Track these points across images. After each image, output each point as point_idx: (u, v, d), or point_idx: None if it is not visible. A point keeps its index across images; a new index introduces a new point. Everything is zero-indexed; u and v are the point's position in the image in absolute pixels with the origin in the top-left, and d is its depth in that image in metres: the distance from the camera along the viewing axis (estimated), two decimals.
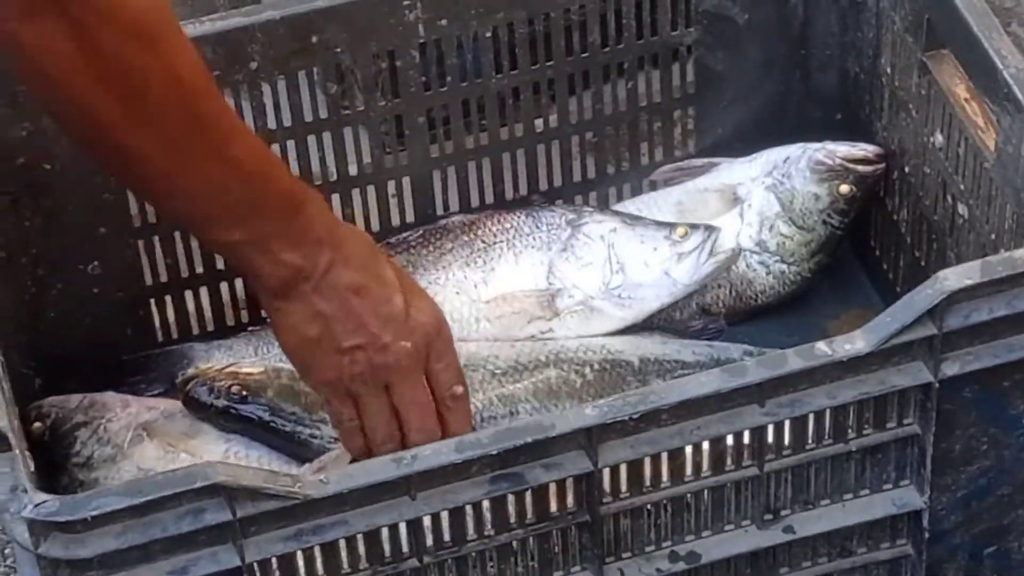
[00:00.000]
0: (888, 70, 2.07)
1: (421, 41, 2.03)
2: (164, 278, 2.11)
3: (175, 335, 2.14)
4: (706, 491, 1.80)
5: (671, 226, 2.11)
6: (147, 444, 1.94)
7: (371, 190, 2.12)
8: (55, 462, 1.96)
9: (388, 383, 1.84)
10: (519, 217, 2.13)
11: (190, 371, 2.07)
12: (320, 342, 1.80)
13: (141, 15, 1.62)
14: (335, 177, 2.10)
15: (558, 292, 2.10)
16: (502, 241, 2.12)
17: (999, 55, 1.86)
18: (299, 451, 2.01)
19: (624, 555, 1.82)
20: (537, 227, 2.12)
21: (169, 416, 1.98)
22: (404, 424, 1.86)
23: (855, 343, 1.74)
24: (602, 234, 2.11)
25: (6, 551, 2.06)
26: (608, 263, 2.10)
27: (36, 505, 1.62)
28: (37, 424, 1.99)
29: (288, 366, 1.92)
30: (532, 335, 2.11)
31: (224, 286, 2.13)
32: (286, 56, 2.00)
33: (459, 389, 1.88)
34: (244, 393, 2.01)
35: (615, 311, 2.11)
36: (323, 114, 2.06)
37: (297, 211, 1.75)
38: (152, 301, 2.12)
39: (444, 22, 2.03)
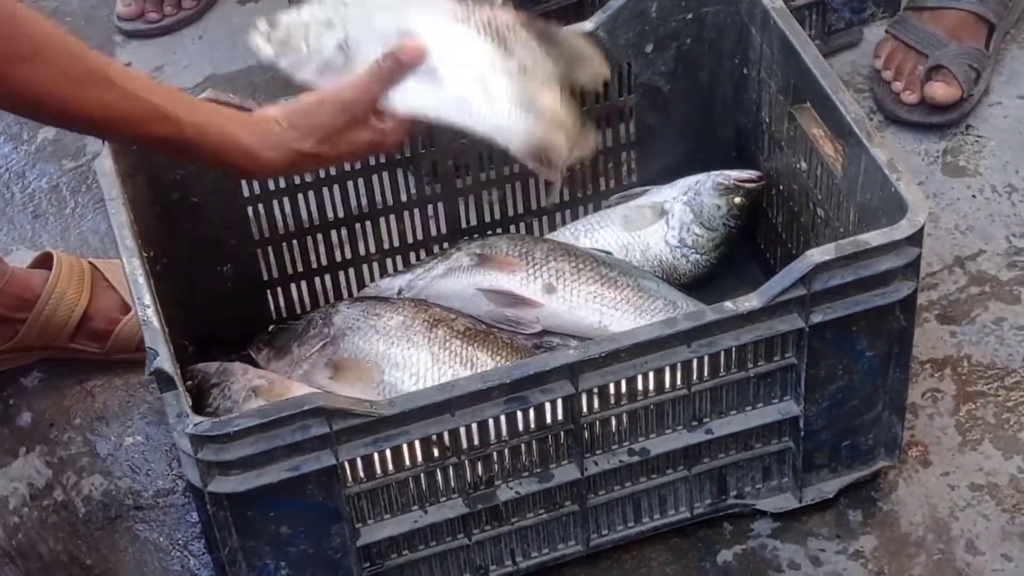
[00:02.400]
0: (767, 120, 2.06)
1: None
2: (275, 275, 2.09)
3: (284, 316, 2.12)
4: (652, 406, 1.79)
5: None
6: (254, 401, 1.91)
7: (416, 212, 2.11)
8: (197, 412, 1.93)
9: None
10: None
11: None
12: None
13: None
14: (391, 203, 2.08)
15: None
16: None
17: (843, 105, 1.86)
18: None
19: (597, 452, 1.81)
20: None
21: (271, 382, 1.95)
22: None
23: (751, 301, 1.74)
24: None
25: (172, 464, 2.04)
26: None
27: (196, 424, 1.62)
28: (189, 383, 1.98)
29: None
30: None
31: (317, 280, 2.11)
32: None
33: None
34: None
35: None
36: (383, 159, 2.05)
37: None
38: (268, 292, 2.10)
39: None
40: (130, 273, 1.76)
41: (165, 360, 1.66)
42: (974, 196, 2.28)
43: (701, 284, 2.15)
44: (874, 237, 1.73)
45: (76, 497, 2.04)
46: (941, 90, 2.33)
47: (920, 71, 2.36)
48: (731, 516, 1.93)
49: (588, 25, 2.03)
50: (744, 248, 2.19)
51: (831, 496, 1.93)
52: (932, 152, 2.34)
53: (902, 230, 1.73)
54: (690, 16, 2.05)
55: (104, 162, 1.86)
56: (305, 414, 1.63)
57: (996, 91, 2.41)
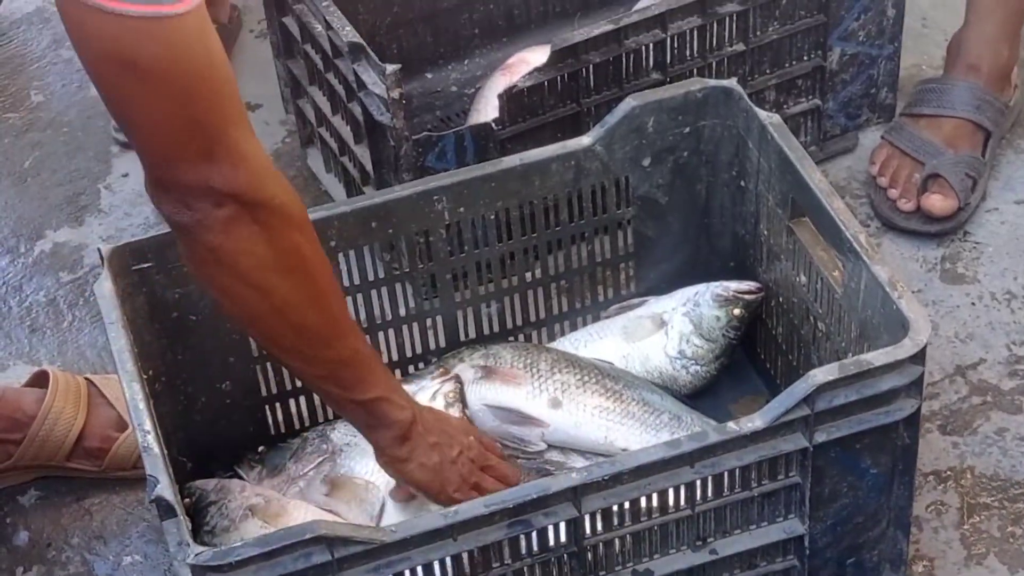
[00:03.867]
0: (765, 232, 2.06)
1: (447, 223, 2.02)
2: (275, 391, 2.07)
3: (283, 430, 2.10)
4: (656, 526, 1.78)
5: None
6: (251, 521, 1.89)
7: (415, 325, 2.09)
8: (195, 529, 1.92)
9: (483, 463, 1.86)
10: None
11: None
12: (442, 463, 1.79)
13: (301, 214, 1.59)
14: (390, 318, 2.07)
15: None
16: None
17: (842, 221, 1.86)
18: None
19: (601, 573, 1.79)
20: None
21: (268, 500, 1.93)
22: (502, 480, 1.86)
23: (755, 422, 1.72)
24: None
25: None
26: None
27: (196, 555, 1.60)
28: (186, 500, 1.96)
29: None
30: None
31: (316, 396, 2.10)
32: (354, 236, 1.99)
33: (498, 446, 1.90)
34: None
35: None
36: (381, 274, 2.04)
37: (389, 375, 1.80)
38: (267, 407, 2.08)
39: (462, 209, 2.01)
40: (130, 398, 1.74)
41: (166, 488, 1.65)
42: (973, 304, 2.28)
43: (702, 394, 2.14)
44: (877, 357, 1.72)
45: None
46: (939, 203, 2.33)
47: (916, 179, 2.36)
48: None
49: (586, 140, 2.03)
50: (745, 357, 2.18)
51: None
52: (930, 259, 2.34)
53: (905, 349, 1.72)
54: (687, 130, 2.06)
55: (103, 284, 1.85)
56: (307, 542, 1.61)
57: (992, 197, 2.41)
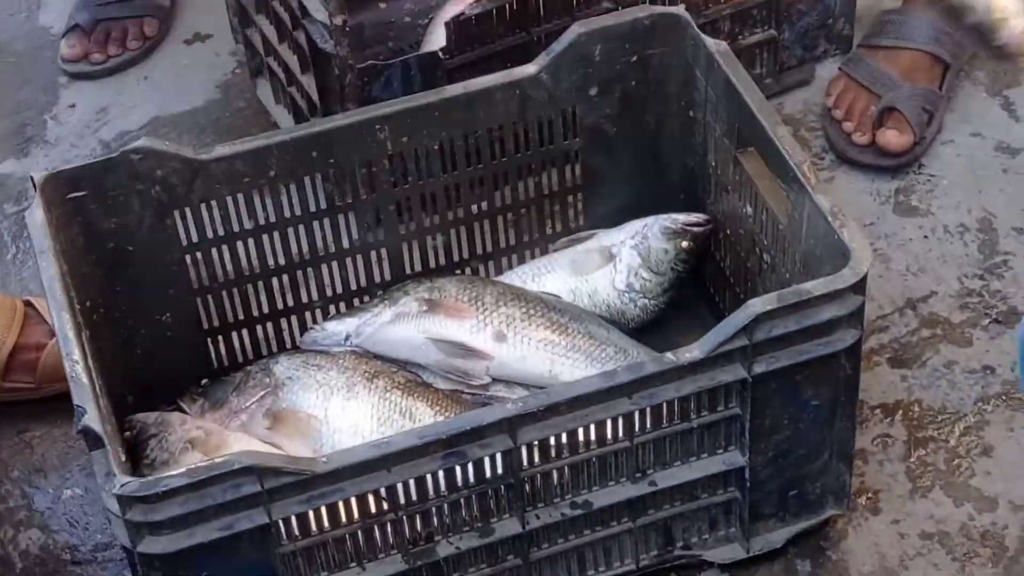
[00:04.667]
0: (713, 163, 2.04)
1: (389, 153, 2.00)
2: (216, 323, 2.05)
3: (226, 364, 2.08)
4: (594, 458, 1.77)
5: None
6: (191, 454, 1.88)
7: (359, 258, 2.07)
8: (135, 462, 1.90)
9: None
10: None
11: None
12: None
13: None
14: (333, 250, 2.05)
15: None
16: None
17: (787, 151, 1.84)
18: None
19: (539, 505, 1.78)
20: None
21: (209, 433, 1.91)
22: None
23: (692, 352, 1.71)
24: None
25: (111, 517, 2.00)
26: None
27: (123, 485, 1.59)
28: (127, 433, 1.94)
29: None
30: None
31: (259, 328, 2.08)
32: (294, 167, 1.96)
33: None
34: None
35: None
36: (323, 205, 2.02)
37: None
38: (209, 340, 2.06)
39: (405, 139, 1.99)
40: (59, 327, 1.73)
41: (93, 418, 1.63)
42: (926, 236, 2.26)
43: (651, 328, 2.13)
44: (817, 286, 1.71)
45: (14, 551, 2.00)
46: (894, 138, 2.31)
47: (872, 112, 2.34)
48: (678, 567, 1.90)
49: (531, 68, 2.01)
50: (694, 291, 2.16)
51: (779, 546, 1.90)
52: (884, 192, 2.32)
53: (845, 279, 1.71)
54: (635, 58, 2.03)
55: (35, 212, 1.83)
56: (236, 473, 1.60)
57: (949, 129, 2.39)
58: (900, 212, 2.30)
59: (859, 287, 1.72)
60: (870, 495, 1.98)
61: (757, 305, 1.69)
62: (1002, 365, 2.10)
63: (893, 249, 2.25)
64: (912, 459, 2.02)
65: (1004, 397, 2.07)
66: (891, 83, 2.35)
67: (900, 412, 2.06)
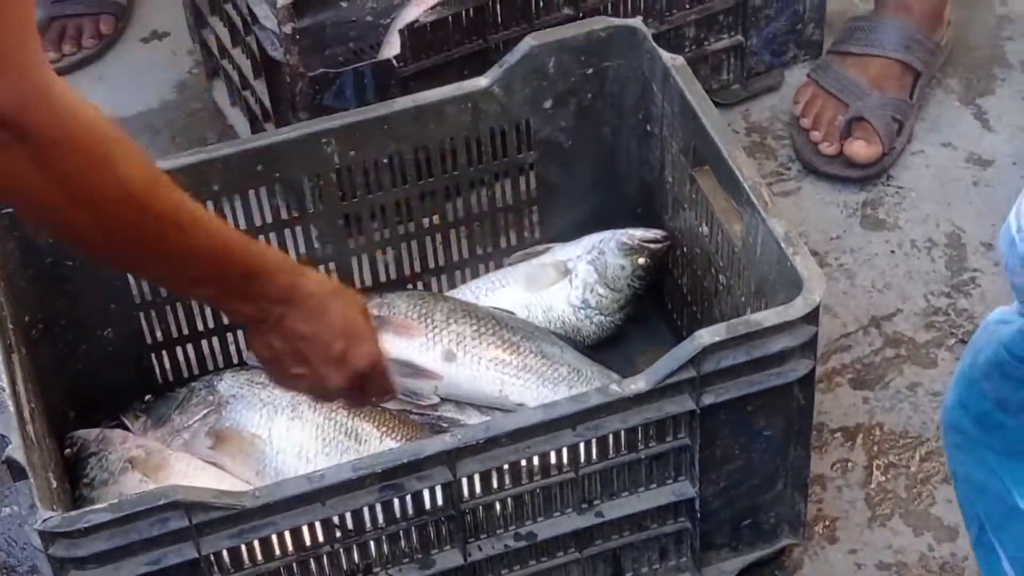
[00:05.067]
0: (670, 179, 1.99)
1: (336, 167, 1.95)
2: (160, 338, 2.00)
3: (171, 379, 2.04)
4: (538, 489, 1.72)
5: None
6: (130, 474, 1.84)
7: None
8: (74, 481, 1.86)
9: (329, 399, 1.79)
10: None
11: None
12: (274, 363, 1.67)
13: (89, 139, 1.41)
14: None
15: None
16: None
17: (740, 171, 1.79)
18: None
19: (482, 536, 1.74)
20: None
21: (149, 453, 1.87)
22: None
23: (638, 384, 1.67)
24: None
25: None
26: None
27: (44, 520, 1.55)
28: (68, 450, 1.90)
29: None
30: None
31: (204, 343, 2.03)
32: (237, 180, 1.91)
33: (390, 403, 1.81)
34: None
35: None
36: (268, 219, 1.97)
37: (251, 277, 1.59)
38: (152, 355, 2.02)
39: (352, 152, 1.94)
40: None
41: (17, 449, 1.59)
42: (893, 252, 2.21)
43: (607, 343, 2.08)
44: (767, 316, 1.66)
45: None
46: (862, 149, 2.25)
47: (840, 121, 2.28)
48: None
49: (483, 81, 1.96)
50: (653, 307, 2.11)
51: None
52: (851, 204, 2.27)
53: (796, 309, 1.66)
54: (590, 71, 1.98)
55: None
56: (163, 508, 1.55)
57: (918, 138, 2.34)
58: (867, 225, 2.25)
59: (811, 317, 1.67)
60: (827, 523, 1.94)
61: (704, 337, 1.64)
62: None
63: (859, 264, 2.20)
64: (872, 485, 1.97)
65: None
66: (860, 92, 2.30)
67: (861, 436, 2.02)
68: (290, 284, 1.63)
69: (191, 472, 1.87)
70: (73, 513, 1.55)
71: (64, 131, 1.38)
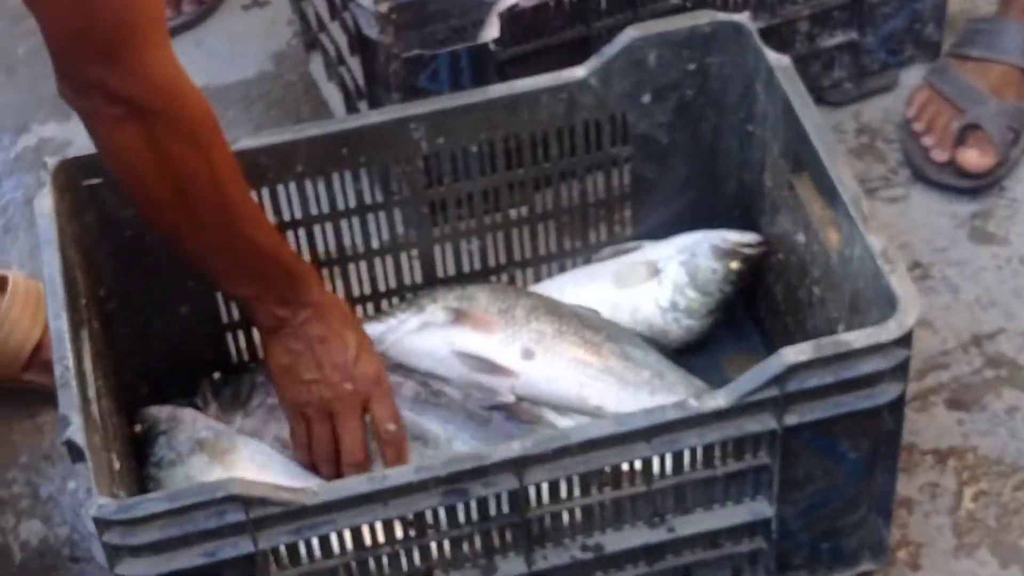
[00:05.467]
0: (769, 183, 1.92)
1: (424, 154, 1.90)
2: (236, 318, 1.97)
3: (246, 359, 2.00)
4: (608, 501, 1.67)
5: None
6: (198, 456, 1.81)
7: (388, 259, 1.98)
8: (142, 459, 1.83)
9: (332, 412, 1.75)
10: None
11: None
12: (289, 371, 1.74)
13: (196, 128, 1.60)
14: (362, 250, 1.96)
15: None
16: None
17: (840, 182, 1.72)
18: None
19: (547, 545, 1.69)
20: None
21: (219, 436, 1.84)
22: (340, 449, 1.76)
23: (717, 400, 1.60)
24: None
25: None
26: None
27: (100, 506, 1.52)
28: (138, 427, 1.88)
29: None
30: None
31: None
32: (322, 162, 1.87)
33: (391, 427, 1.77)
34: None
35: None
36: (352, 204, 1.92)
37: (291, 281, 1.72)
38: (228, 335, 1.98)
39: (441, 140, 1.89)
40: (56, 329, 1.65)
41: (77, 431, 1.56)
42: (1000, 267, 2.13)
43: (694, 348, 2.02)
44: (858, 337, 1.59)
45: (14, 542, 1.94)
46: (975, 158, 2.17)
47: (954, 127, 2.20)
48: None
49: (580, 72, 1.90)
50: (743, 310, 2.05)
51: None
52: (960, 214, 2.19)
53: (889, 332, 1.59)
54: (693, 67, 1.91)
55: (43, 201, 1.76)
56: (220, 501, 1.52)
57: None
58: (975, 238, 2.16)
59: (904, 341, 1.60)
60: (911, 549, 1.87)
61: (790, 355, 1.58)
62: None
63: (963, 278, 2.11)
64: (960, 512, 1.90)
65: None
66: (977, 98, 2.21)
67: (952, 459, 1.94)
68: (320, 293, 1.76)
69: (258, 458, 1.84)
70: (129, 501, 1.52)
71: (176, 113, 1.57)
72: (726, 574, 1.77)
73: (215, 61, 2.45)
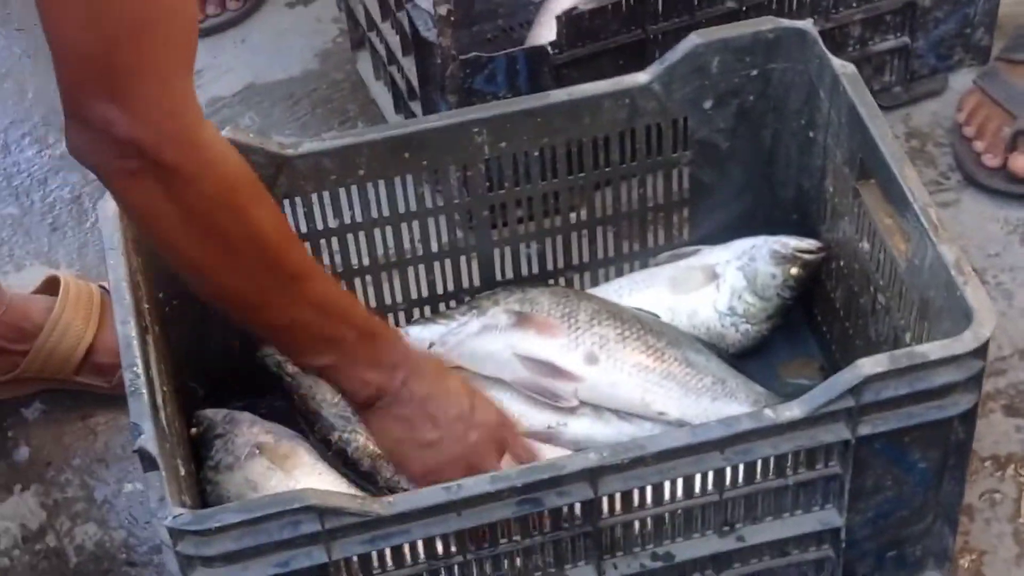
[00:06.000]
0: (830, 189, 1.91)
1: (486, 158, 1.88)
2: None
3: None
4: (679, 510, 1.66)
5: None
6: (257, 460, 1.80)
7: (447, 262, 1.97)
8: (199, 461, 1.82)
9: (469, 466, 1.61)
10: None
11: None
12: (406, 440, 1.61)
13: (226, 184, 1.41)
14: (421, 252, 1.95)
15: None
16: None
17: (911, 192, 1.71)
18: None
19: (618, 554, 1.68)
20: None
21: (278, 440, 1.82)
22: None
23: (793, 411, 1.59)
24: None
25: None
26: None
27: (175, 516, 1.50)
28: (194, 429, 1.86)
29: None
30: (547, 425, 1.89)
31: None
32: (384, 166, 1.86)
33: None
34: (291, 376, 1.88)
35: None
36: (413, 207, 1.91)
37: (373, 340, 1.57)
38: None
39: (503, 144, 1.88)
40: (123, 336, 1.64)
41: (150, 440, 1.55)
42: None
43: (752, 352, 2.01)
44: (933, 349, 1.58)
45: (69, 545, 1.93)
46: None
47: (1006, 133, 2.19)
48: None
49: (643, 77, 1.88)
50: (801, 316, 2.03)
51: None
52: (1012, 220, 2.18)
53: (964, 343, 1.58)
54: (755, 72, 1.90)
55: (107, 204, 1.74)
56: (295, 511, 1.50)
57: None
58: None
59: (980, 352, 1.59)
60: (973, 557, 1.86)
61: (867, 366, 1.56)
62: None
63: (1018, 285, 2.10)
64: (1021, 520, 1.89)
65: None
66: None
67: (1012, 466, 1.93)
68: (406, 348, 1.62)
69: (320, 465, 1.82)
70: (204, 512, 1.50)
71: (197, 168, 1.37)
72: None
73: (260, 58, 2.44)
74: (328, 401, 1.87)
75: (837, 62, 1.83)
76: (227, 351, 1.94)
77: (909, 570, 1.78)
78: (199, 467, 1.85)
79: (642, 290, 2.00)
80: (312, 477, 1.80)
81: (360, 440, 1.84)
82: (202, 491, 1.82)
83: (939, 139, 2.27)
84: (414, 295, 1.98)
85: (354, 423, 1.83)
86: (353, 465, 1.84)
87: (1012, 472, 1.93)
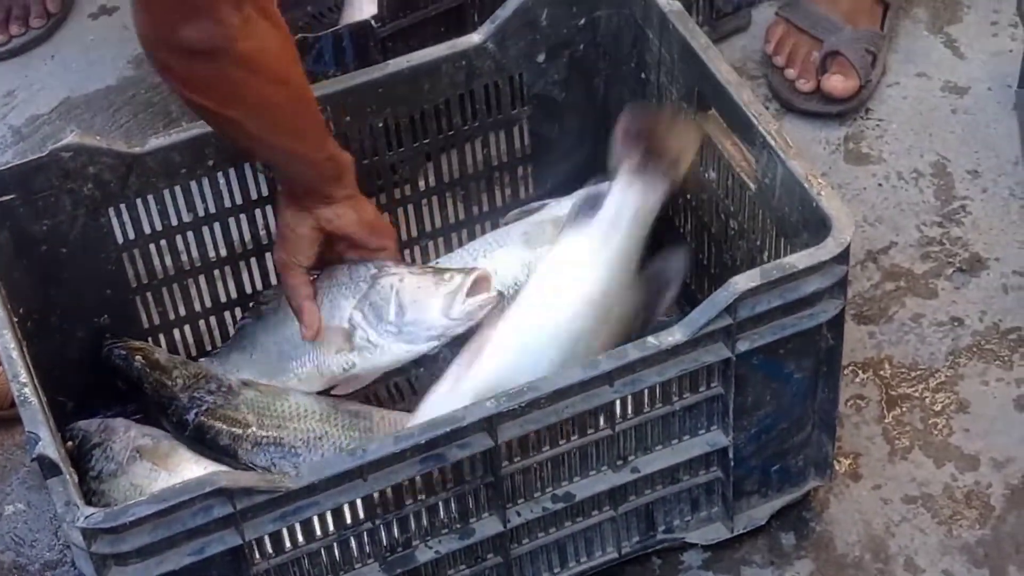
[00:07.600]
0: None
1: (333, 134, 1.88)
2: (157, 322, 1.94)
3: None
4: (575, 450, 1.68)
5: (444, 272, 1.88)
6: (139, 463, 1.78)
7: None
8: (79, 474, 1.78)
9: None
10: (339, 270, 1.90)
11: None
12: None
13: (272, 62, 1.68)
14: (265, 243, 1.94)
15: (353, 330, 1.89)
16: (323, 288, 1.90)
17: (753, 115, 1.75)
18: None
19: (519, 501, 1.69)
20: (350, 278, 1.90)
21: (157, 441, 1.81)
22: None
23: (674, 335, 1.62)
24: (391, 283, 1.88)
25: (58, 533, 1.89)
26: (392, 306, 1.88)
27: (87, 516, 1.48)
28: (69, 443, 1.82)
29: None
30: (342, 366, 1.89)
31: (202, 323, 1.97)
32: (234, 153, 1.84)
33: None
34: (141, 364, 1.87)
35: (400, 345, 1.89)
36: (265, 192, 1.90)
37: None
38: (149, 339, 1.94)
39: (348, 119, 1.88)
40: (2, 347, 1.61)
41: (48, 445, 1.52)
42: (880, 184, 2.19)
43: None
44: (799, 259, 1.63)
45: None
46: (840, 83, 2.23)
47: (815, 57, 2.25)
48: (660, 551, 1.82)
49: (476, 37, 1.90)
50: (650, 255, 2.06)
51: (763, 523, 1.83)
52: (833, 140, 2.24)
53: (828, 249, 1.63)
54: (582, 21, 1.93)
55: None
56: (207, 496, 1.49)
57: (893, 71, 2.32)
58: (852, 160, 2.22)
59: (842, 257, 1.64)
60: (849, 460, 1.91)
61: (741, 283, 1.61)
62: (970, 316, 2.04)
63: (848, 200, 2.17)
64: (888, 419, 1.95)
65: (975, 349, 2.00)
66: (832, 26, 2.27)
67: (871, 371, 1.99)
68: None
69: (203, 460, 1.81)
70: (116, 508, 1.48)
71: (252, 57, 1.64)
72: (685, 508, 1.80)
73: (72, 73, 2.39)
74: (179, 385, 1.85)
75: (662, 1, 1.87)
76: (93, 361, 1.91)
77: (793, 481, 1.83)
78: (80, 480, 1.81)
79: (495, 250, 2.02)
80: (198, 470, 1.78)
81: (216, 420, 1.82)
82: (90, 504, 1.78)
83: (752, 72, 2.33)
84: (274, 280, 1.97)
85: (207, 403, 1.83)
86: (212, 443, 1.82)
87: (872, 376, 1.99)
